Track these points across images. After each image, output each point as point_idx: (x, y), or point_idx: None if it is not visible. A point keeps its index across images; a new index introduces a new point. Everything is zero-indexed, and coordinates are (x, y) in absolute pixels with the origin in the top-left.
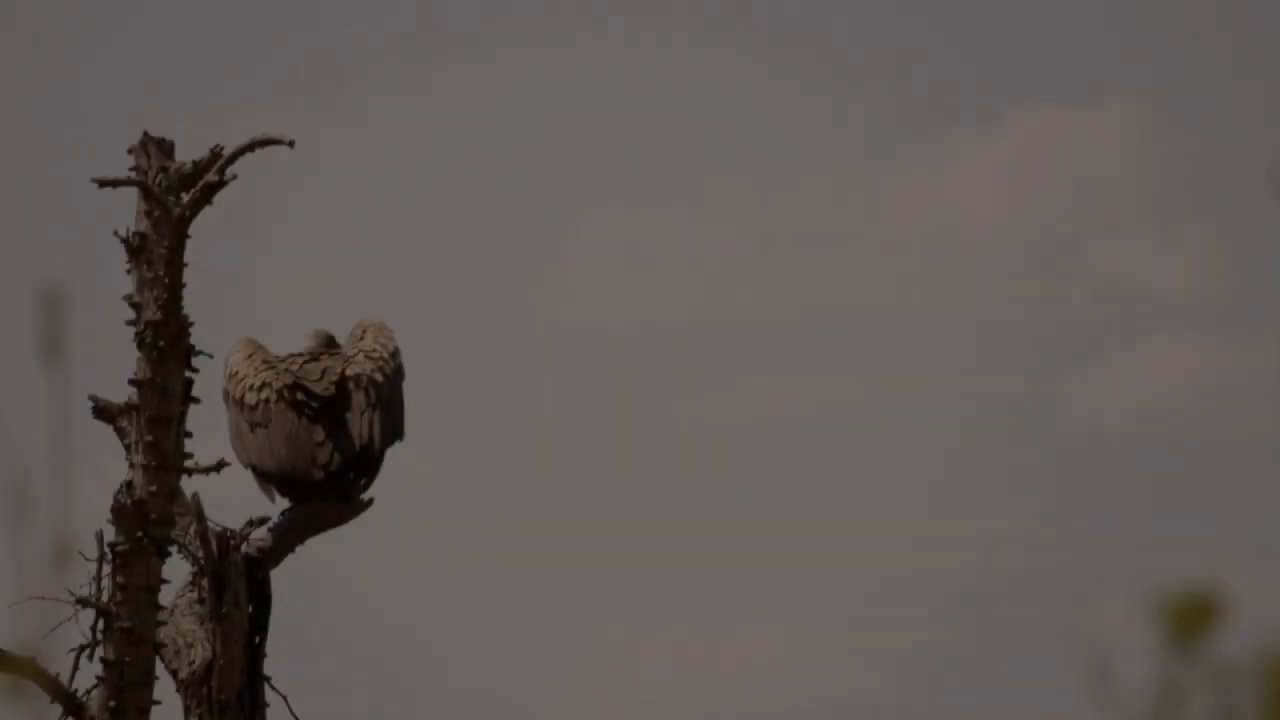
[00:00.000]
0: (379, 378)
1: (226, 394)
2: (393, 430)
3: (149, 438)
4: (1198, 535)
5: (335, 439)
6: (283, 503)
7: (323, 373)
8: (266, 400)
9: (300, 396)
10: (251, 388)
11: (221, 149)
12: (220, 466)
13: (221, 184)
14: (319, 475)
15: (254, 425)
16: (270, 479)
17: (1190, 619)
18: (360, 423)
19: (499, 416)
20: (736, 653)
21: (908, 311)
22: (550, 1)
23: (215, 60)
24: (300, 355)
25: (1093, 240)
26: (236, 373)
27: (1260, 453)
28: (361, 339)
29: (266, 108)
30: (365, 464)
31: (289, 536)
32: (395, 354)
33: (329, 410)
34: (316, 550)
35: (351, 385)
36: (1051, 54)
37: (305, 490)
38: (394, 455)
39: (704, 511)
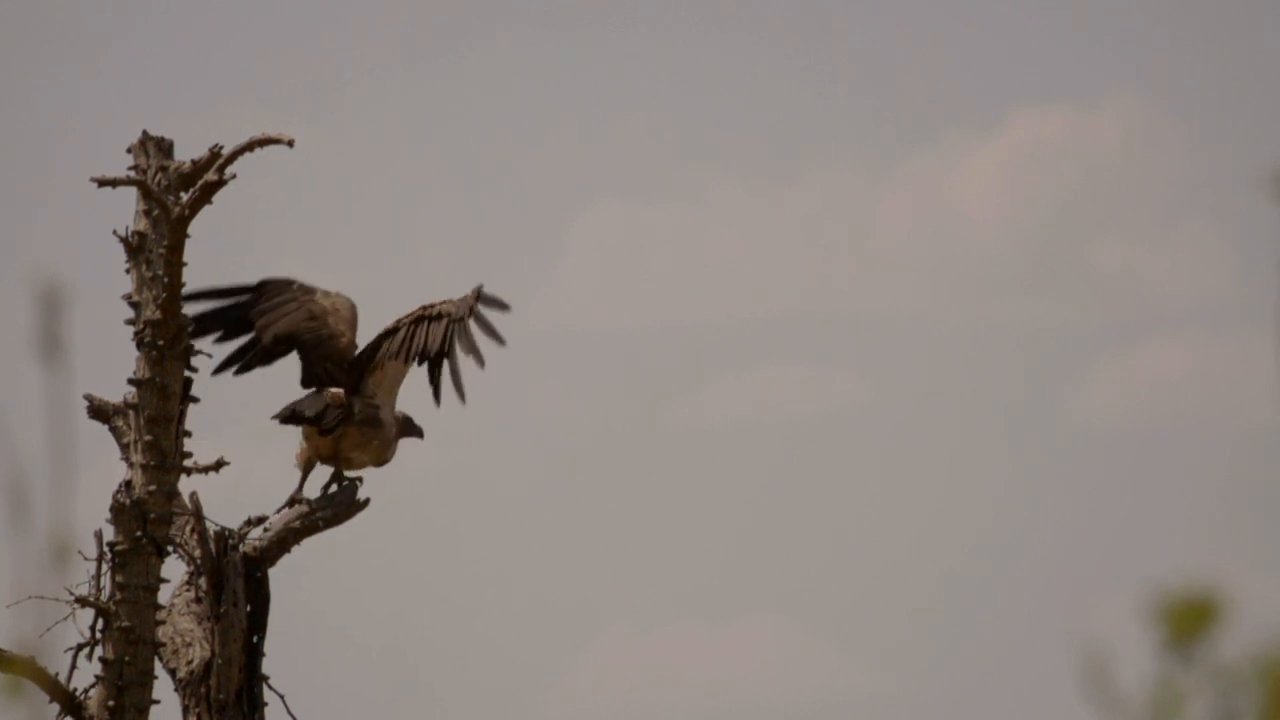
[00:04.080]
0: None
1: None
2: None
3: (148, 437)
4: (1198, 535)
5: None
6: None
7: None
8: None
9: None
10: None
11: (221, 148)
12: (219, 466)
13: (221, 183)
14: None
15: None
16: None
17: (1190, 619)
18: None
19: (498, 416)
20: (736, 653)
21: (908, 311)
22: (550, 2)
23: (216, 60)
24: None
25: (1093, 240)
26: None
27: (1260, 452)
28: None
29: (267, 107)
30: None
31: (287, 536)
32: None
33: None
34: (316, 550)
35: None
36: (1051, 54)
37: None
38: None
39: (703, 511)
